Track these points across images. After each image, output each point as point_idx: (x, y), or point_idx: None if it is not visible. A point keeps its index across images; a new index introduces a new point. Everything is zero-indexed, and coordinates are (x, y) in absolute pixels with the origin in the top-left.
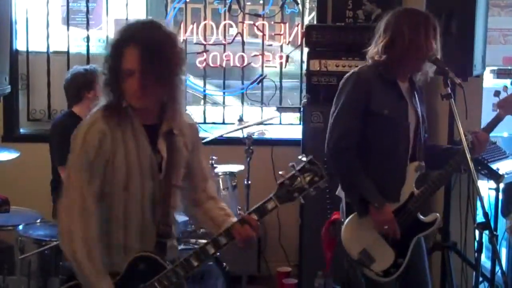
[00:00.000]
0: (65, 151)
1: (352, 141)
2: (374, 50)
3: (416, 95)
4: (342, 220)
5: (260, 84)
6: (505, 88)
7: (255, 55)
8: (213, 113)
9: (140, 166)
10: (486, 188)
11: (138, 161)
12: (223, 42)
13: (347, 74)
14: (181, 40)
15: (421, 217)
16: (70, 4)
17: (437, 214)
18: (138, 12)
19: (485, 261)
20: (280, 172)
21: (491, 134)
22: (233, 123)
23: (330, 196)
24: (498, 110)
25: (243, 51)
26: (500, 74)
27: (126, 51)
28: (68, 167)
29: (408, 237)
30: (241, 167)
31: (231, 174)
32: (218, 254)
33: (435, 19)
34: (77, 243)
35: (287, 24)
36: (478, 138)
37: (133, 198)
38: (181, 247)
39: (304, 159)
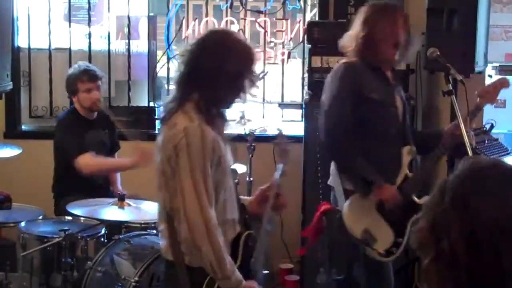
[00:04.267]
0: (73, 144)
1: (347, 127)
2: (345, 42)
3: (397, 85)
4: (336, 209)
5: (262, 81)
6: None
7: (256, 52)
8: None
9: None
10: None
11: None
12: None
13: (335, 68)
14: (183, 37)
15: (416, 199)
16: (71, 1)
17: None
18: (140, 9)
19: None
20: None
21: (493, 131)
22: (234, 120)
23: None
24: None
25: None
26: (502, 70)
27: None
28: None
29: (405, 218)
30: (242, 164)
31: (233, 171)
32: None
33: (400, 8)
34: (217, 242)
35: (288, 21)
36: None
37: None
38: None
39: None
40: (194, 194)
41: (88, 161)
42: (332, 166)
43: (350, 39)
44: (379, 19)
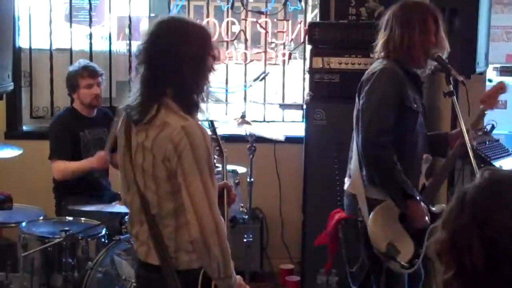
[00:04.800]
0: (58, 145)
1: (391, 137)
2: (377, 48)
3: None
4: (359, 218)
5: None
6: None
7: (257, 53)
8: (216, 110)
9: None
10: None
11: None
12: (226, 39)
13: (377, 69)
14: None
15: (431, 208)
16: (72, 1)
17: (443, 205)
18: (141, 9)
19: None
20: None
21: (494, 132)
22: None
23: (332, 193)
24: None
25: (245, 48)
26: (503, 71)
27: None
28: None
29: (424, 228)
30: (243, 165)
31: (234, 171)
32: None
33: (436, 9)
34: (225, 241)
35: (289, 22)
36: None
37: None
38: None
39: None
40: (203, 193)
41: (59, 168)
42: (357, 172)
43: (383, 44)
44: (411, 22)
